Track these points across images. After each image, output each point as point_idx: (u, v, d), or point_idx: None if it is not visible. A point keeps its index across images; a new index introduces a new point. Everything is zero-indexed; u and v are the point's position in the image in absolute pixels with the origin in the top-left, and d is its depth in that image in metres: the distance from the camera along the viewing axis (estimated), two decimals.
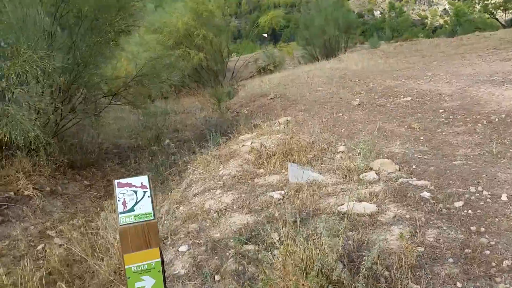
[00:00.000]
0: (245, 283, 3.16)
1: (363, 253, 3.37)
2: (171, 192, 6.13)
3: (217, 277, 3.46)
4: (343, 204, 4.37)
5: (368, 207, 4.18)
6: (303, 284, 2.19)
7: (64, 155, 7.57)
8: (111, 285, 3.92)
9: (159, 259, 1.90)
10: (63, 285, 3.63)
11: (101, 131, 9.52)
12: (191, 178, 6.45)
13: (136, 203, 1.92)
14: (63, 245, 5.38)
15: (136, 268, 1.82)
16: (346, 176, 5.27)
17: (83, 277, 4.38)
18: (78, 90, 8.07)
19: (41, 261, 4.90)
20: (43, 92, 6.91)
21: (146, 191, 1.96)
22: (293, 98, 11.49)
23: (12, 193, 6.18)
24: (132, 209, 1.90)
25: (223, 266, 3.63)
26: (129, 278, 1.84)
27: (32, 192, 6.32)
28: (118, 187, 1.95)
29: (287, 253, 2.60)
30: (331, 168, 5.59)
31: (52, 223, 5.93)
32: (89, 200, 6.85)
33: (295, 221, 4.15)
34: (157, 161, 8.26)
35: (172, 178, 7.05)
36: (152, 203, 1.95)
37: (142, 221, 1.87)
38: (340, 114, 9.25)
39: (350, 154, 6.23)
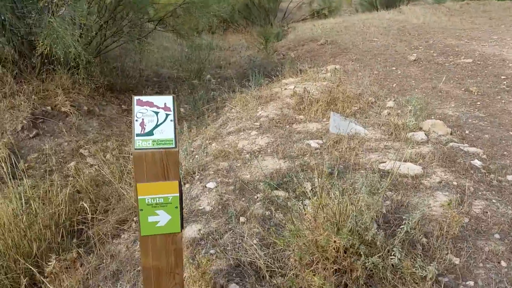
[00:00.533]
0: (271, 229, 2.98)
1: (402, 216, 3.11)
2: (206, 127, 5.95)
3: (242, 219, 3.29)
4: (385, 162, 4.05)
5: (412, 168, 3.85)
6: (334, 241, 1.97)
7: (105, 76, 7.48)
8: (135, 211, 3.84)
9: (177, 194, 1.68)
10: (86, 205, 3.57)
11: (143, 57, 9.35)
12: (227, 116, 6.24)
13: (156, 126, 1.65)
14: (94, 165, 5.37)
15: (150, 201, 1.63)
16: (392, 133, 4.90)
17: (109, 199, 4.34)
18: (124, 11, 7.83)
19: (71, 178, 4.90)
20: (89, 8, 6.71)
21: (169, 114, 1.67)
22: (344, 46, 10.87)
23: (49, 107, 6.17)
24: (150, 133, 1.63)
25: (249, 208, 3.46)
26: (141, 210, 1.65)
27: (69, 109, 6.30)
28: (137, 105, 1.67)
29: (320, 205, 2.36)
30: (377, 123, 5.22)
31: (86, 142, 5.92)
32: (125, 124, 6.79)
33: (331, 173, 3.90)
34: (196, 95, 8.06)
35: (209, 114, 6.87)
36: (175, 129, 1.66)
37: (161, 148, 1.61)
38: (394, 68, 8.67)
39: (399, 111, 5.81)
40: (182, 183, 3.53)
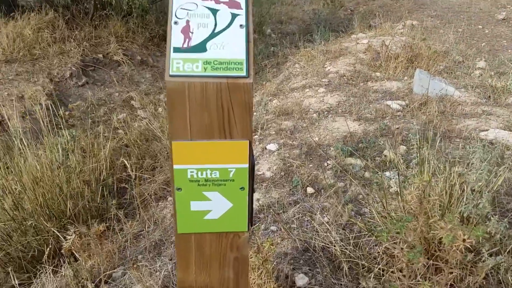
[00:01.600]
0: (347, 205, 2.37)
1: None
2: (266, 82, 5.34)
3: (309, 190, 2.71)
4: (487, 130, 3.29)
5: None
6: (464, 239, 1.34)
7: (160, 26, 6.98)
8: None
9: (247, 165, 1.01)
10: (126, 161, 3.10)
11: None
12: (290, 71, 5.57)
13: (213, 35, 0.90)
14: (145, 118, 4.95)
15: (196, 174, 1.00)
16: (489, 96, 4.08)
17: (157, 156, 3.88)
18: None
19: (120, 130, 4.49)
20: None
21: (238, 15, 0.93)
22: (421, 2, 9.74)
23: (101, 55, 5.77)
24: (202, 47, 0.90)
25: (318, 177, 2.86)
26: (179, 190, 1.01)
27: (122, 58, 5.88)
28: None
29: (424, 182, 1.72)
30: (469, 85, 4.38)
31: (138, 93, 5.50)
32: None
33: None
34: (255, 49, 7.41)
35: (269, 70, 6.22)
36: (248, 42, 0.93)
37: (221, 77, 0.91)
38: (480, 27, 7.58)
39: (493, 72, 4.92)
40: None
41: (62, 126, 3.39)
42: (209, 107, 0.95)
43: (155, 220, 2.80)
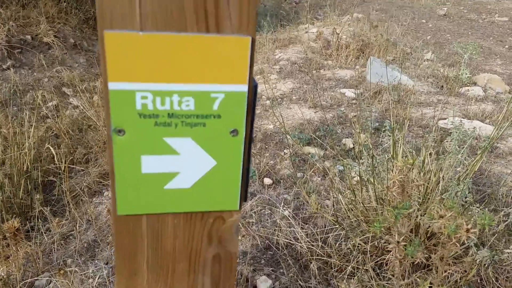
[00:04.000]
0: (310, 196, 2.13)
1: (485, 189, 2.29)
2: None
3: (266, 181, 2.45)
4: (445, 119, 3.19)
5: (484, 128, 3.00)
6: (467, 229, 1.13)
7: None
8: None
9: (246, 87, 0.57)
10: (53, 151, 2.68)
11: None
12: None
13: None
14: (79, 107, 4.47)
15: (153, 103, 0.55)
16: (442, 86, 4.02)
17: (92, 147, 3.46)
18: None
19: (49, 119, 4.00)
20: None
21: None
22: None
23: (29, 36, 5.18)
24: None
25: (275, 167, 2.60)
26: (120, 133, 0.56)
27: (53, 40, 5.31)
28: None
29: (408, 165, 1.51)
30: (421, 75, 4.32)
31: (71, 80, 4.98)
32: None
33: (377, 129, 3.04)
34: None
35: None
36: None
37: None
38: (423, 21, 7.70)
39: (441, 64, 4.91)
40: None
41: None
42: None
43: (88, 218, 2.41)
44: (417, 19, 7.89)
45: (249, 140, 0.62)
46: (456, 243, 1.18)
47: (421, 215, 1.65)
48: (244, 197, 0.66)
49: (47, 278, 1.91)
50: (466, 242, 1.28)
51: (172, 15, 0.51)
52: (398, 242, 1.22)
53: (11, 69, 4.72)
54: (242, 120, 0.59)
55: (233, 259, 0.70)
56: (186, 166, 0.61)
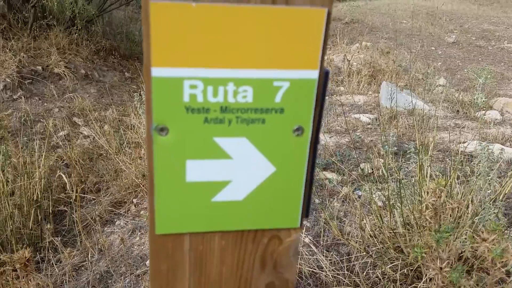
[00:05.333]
0: (332, 222, 2.03)
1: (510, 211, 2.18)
2: None
3: None
4: (465, 142, 3.10)
5: (506, 151, 2.90)
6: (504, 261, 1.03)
7: (107, 39, 6.52)
8: (135, 190, 2.92)
9: (316, 73, 0.45)
10: (65, 177, 2.62)
11: None
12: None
13: None
14: (89, 136, 4.44)
15: (203, 93, 0.44)
16: (458, 110, 3.95)
17: (103, 176, 3.40)
18: None
19: (60, 149, 3.96)
20: None
21: None
22: (373, 26, 9.89)
23: (40, 67, 5.22)
24: None
25: None
26: (163, 131, 0.45)
27: (64, 71, 5.35)
28: None
29: (440, 187, 1.42)
30: (435, 100, 4.26)
31: (82, 110, 4.97)
32: (127, 93, 5.83)
33: (396, 153, 2.95)
34: None
35: None
36: None
37: None
38: (433, 48, 7.71)
39: (454, 89, 4.86)
40: None
41: None
42: None
43: (100, 248, 2.33)
44: (426, 46, 7.91)
45: (315, 141, 0.51)
46: (501, 268, 1.09)
47: (453, 240, 1.55)
48: (306, 213, 0.54)
49: None
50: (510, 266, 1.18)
51: None
52: (441, 268, 1.12)
53: (22, 98, 4.73)
54: (309, 115, 0.48)
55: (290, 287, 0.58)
56: (239, 174, 0.49)
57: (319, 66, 0.45)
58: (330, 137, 3.24)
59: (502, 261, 1.05)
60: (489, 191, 1.79)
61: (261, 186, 0.50)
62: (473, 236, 1.13)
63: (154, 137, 0.46)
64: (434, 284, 1.13)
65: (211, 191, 0.50)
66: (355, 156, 2.93)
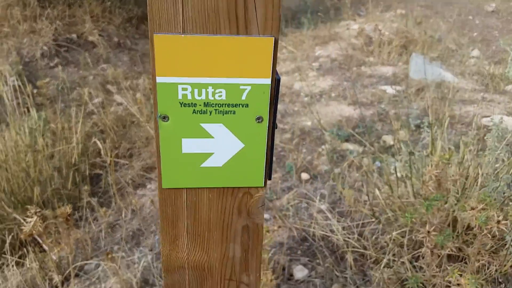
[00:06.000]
0: (347, 191, 2.13)
1: None
2: None
3: (304, 176, 2.46)
4: (489, 116, 3.09)
5: None
6: (498, 221, 1.10)
7: (139, 6, 6.63)
8: None
9: (269, 80, 0.66)
10: (100, 144, 2.80)
11: None
12: (278, 56, 5.31)
13: None
14: (122, 103, 4.62)
15: (191, 93, 0.66)
16: (487, 84, 3.89)
17: (136, 142, 3.58)
18: None
19: (95, 115, 4.16)
20: None
21: None
22: None
23: (74, 35, 5.40)
24: None
25: (312, 163, 2.61)
26: (165, 119, 0.67)
27: (97, 39, 5.51)
28: None
29: (444, 160, 1.48)
30: (466, 72, 4.20)
31: (115, 77, 5.15)
32: None
33: (419, 126, 2.98)
34: None
35: None
36: None
37: None
38: (470, 17, 7.45)
39: (487, 61, 4.75)
40: None
41: (29, 106, 3.06)
42: None
43: (133, 209, 2.51)
44: (464, 15, 7.65)
45: (272, 126, 0.71)
46: (488, 234, 1.16)
47: (458, 210, 1.62)
48: (268, 176, 0.75)
49: (96, 262, 2.00)
50: (497, 234, 1.25)
51: (209, 19, 0.62)
52: (428, 232, 1.21)
53: (59, 66, 4.93)
54: (266, 108, 0.69)
55: (260, 230, 0.80)
56: (219, 148, 0.72)
57: (271, 75, 0.65)
58: (354, 109, 3.29)
59: (487, 228, 1.13)
60: (497, 165, 1.84)
61: (235, 157, 0.72)
62: (463, 205, 1.21)
63: (159, 122, 0.68)
64: (427, 247, 1.22)
65: (199, 159, 0.72)
66: (378, 129, 2.98)
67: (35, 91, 3.99)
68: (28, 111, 3.40)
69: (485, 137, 2.19)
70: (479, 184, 1.81)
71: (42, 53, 4.80)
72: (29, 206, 1.70)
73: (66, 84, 4.46)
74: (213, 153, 0.72)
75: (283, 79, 4.22)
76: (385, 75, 4.01)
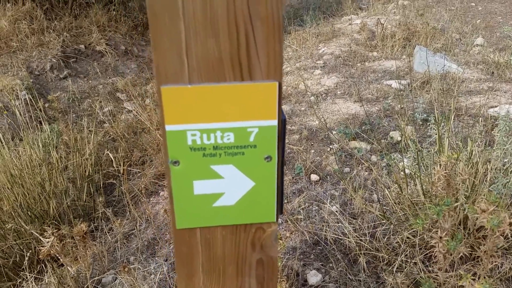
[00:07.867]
0: (357, 192, 2.17)
1: None
2: None
3: (313, 177, 2.50)
4: (496, 107, 3.11)
5: None
6: (510, 223, 1.15)
7: (144, 14, 6.69)
8: None
9: (275, 122, 0.68)
10: (111, 155, 2.87)
11: None
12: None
13: None
14: (133, 110, 4.69)
15: (200, 138, 0.67)
16: (493, 72, 3.89)
17: (147, 150, 3.64)
18: None
19: (106, 124, 4.24)
20: None
21: None
22: None
23: (82, 46, 5.48)
24: None
25: (321, 163, 2.65)
26: (175, 163, 0.69)
27: (105, 49, 5.60)
28: None
29: (452, 160, 1.52)
30: (470, 61, 4.20)
31: (124, 85, 5.23)
32: None
33: (426, 120, 3.01)
34: None
35: None
36: None
37: None
38: (473, 4, 7.40)
39: (492, 49, 4.74)
40: None
41: (41, 119, 3.14)
42: (216, 28, 0.60)
43: (147, 217, 2.57)
44: (466, 2, 7.60)
45: (281, 163, 0.73)
46: (500, 236, 1.20)
47: (468, 208, 1.65)
48: (280, 210, 0.77)
49: (113, 275, 2.07)
50: (509, 236, 1.28)
51: (213, 69, 0.63)
52: (440, 237, 1.25)
53: (68, 78, 5.01)
54: (274, 148, 0.71)
55: (274, 263, 0.81)
56: (230, 188, 0.74)
57: (277, 117, 0.68)
58: (360, 106, 3.32)
59: (500, 230, 1.16)
60: (506, 159, 1.86)
61: (246, 195, 0.74)
62: (474, 207, 1.24)
63: (170, 167, 0.69)
64: (439, 251, 1.26)
65: (211, 199, 0.74)
66: (385, 125, 3.01)
67: (46, 104, 4.07)
68: (41, 124, 3.48)
69: (492, 132, 2.22)
70: (488, 180, 1.84)
71: (51, 65, 4.89)
72: (46, 227, 1.77)
73: (76, 95, 4.55)
74: (224, 193, 0.74)
75: (288, 79, 4.25)
76: (389, 70, 4.03)
